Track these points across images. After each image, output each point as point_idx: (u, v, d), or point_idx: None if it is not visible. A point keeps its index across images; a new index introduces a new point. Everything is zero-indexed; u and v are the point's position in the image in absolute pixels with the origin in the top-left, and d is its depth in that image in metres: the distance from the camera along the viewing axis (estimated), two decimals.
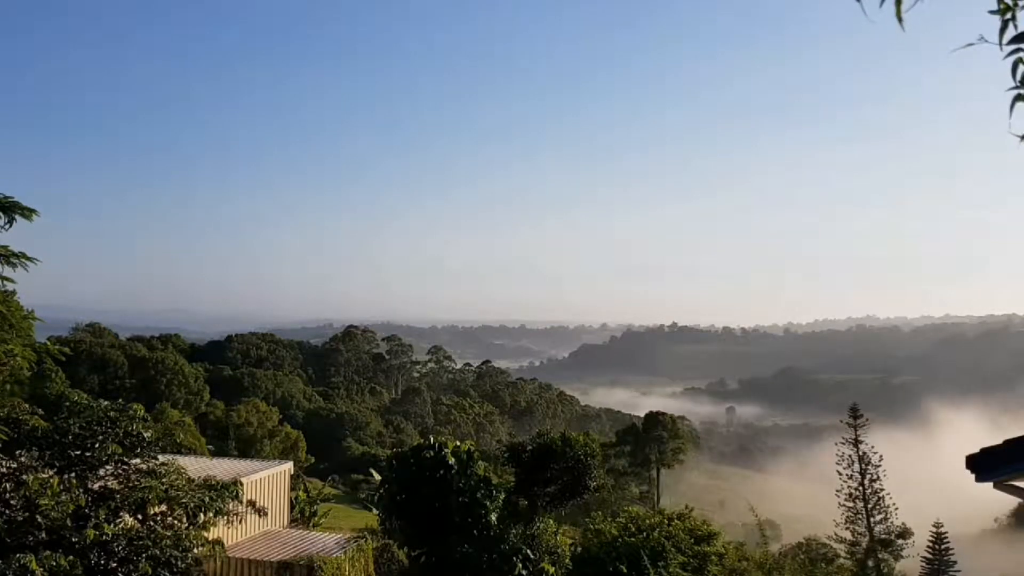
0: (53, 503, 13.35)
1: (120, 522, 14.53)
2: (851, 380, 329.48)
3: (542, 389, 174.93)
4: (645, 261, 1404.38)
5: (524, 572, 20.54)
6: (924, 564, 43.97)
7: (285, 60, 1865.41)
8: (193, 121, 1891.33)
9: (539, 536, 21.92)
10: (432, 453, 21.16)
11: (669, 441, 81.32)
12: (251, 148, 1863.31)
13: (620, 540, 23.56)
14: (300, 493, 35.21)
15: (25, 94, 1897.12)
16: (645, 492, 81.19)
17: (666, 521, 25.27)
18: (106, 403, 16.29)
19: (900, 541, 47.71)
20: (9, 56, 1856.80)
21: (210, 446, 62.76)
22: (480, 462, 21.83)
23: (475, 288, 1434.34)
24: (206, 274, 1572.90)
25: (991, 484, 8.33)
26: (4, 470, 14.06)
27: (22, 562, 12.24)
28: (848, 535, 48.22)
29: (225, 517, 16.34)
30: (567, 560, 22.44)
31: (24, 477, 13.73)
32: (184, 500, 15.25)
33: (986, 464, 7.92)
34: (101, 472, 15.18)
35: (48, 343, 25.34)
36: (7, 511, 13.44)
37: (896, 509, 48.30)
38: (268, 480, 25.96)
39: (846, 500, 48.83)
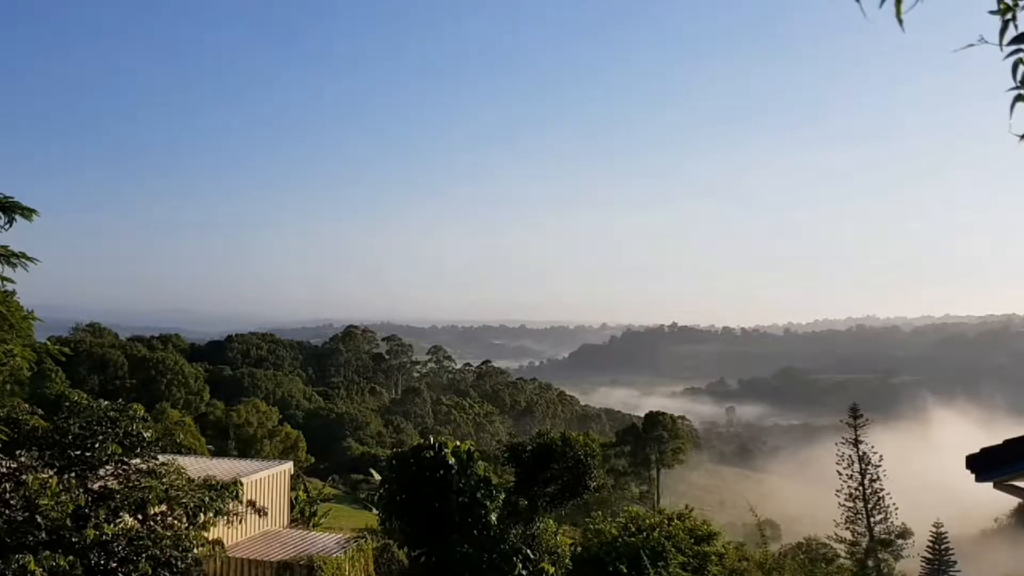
0: (53, 503, 13.32)
1: (120, 522, 14.48)
2: (851, 380, 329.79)
3: (542, 389, 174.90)
4: (645, 261, 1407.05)
5: (524, 572, 20.54)
6: (924, 564, 43.94)
7: (285, 60, 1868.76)
8: (193, 121, 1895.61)
9: (539, 536, 21.91)
10: (432, 453, 21.16)
11: (669, 441, 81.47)
12: (251, 148, 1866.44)
13: (620, 540, 23.61)
14: (300, 493, 35.19)
15: (25, 94, 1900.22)
16: (645, 492, 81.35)
17: (666, 521, 25.33)
18: (106, 403, 16.26)
19: (900, 541, 47.74)
20: (9, 56, 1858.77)
21: (210, 446, 62.84)
22: (480, 462, 21.81)
23: (475, 288, 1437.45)
24: (206, 274, 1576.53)
25: (991, 484, 8.34)
26: (4, 470, 14.03)
27: (21, 562, 12.22)
28: (848, 535, 48.25)
29: (225, 517, 16.31)
30: (567, 560, 22.44)
31: (24, 477, 13.70)
32: (184, 500, 15.22)
33: (986, 464, 7.94)
34: (101, 472, 15.14)
35: (48, 343, 25.35)
36: (7, 511, 13.41)
37: (896, 509, 48.32)
38: (268, 480, 25.96)
39: (846, 500, 48.86)
